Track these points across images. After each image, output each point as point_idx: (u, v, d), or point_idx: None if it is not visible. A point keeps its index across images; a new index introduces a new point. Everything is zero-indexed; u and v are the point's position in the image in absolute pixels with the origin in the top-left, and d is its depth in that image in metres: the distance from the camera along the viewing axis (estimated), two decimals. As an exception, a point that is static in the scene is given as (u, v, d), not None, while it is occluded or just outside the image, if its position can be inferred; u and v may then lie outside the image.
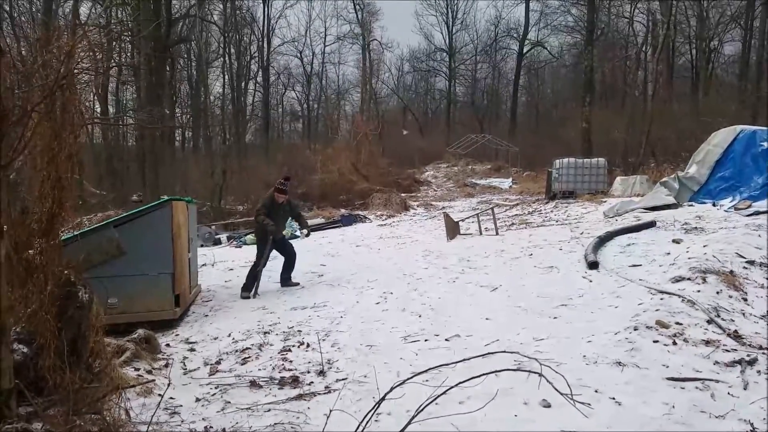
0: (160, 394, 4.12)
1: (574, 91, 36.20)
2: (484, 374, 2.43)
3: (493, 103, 50.94)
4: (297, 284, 8.52)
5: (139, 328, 5.46)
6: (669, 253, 7.26)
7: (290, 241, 14.29)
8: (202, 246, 9.77)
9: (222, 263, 10.93)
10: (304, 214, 18.59)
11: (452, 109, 50.94)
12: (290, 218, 9.63)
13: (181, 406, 4.10)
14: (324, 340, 5.45)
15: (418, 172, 31.34)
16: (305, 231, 9.69)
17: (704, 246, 7.16)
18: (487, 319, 5.83)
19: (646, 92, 27.69)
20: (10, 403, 2.84)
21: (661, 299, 5.46)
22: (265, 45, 43.16)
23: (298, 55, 47.04)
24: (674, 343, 4.46)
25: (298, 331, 5.96)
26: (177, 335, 6.27)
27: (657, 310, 5.13)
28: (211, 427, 3.69)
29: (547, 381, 2.14)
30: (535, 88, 49.56)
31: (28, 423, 2.53)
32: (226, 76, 41.38)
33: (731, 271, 6.06)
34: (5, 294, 2.86)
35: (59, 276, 3.75)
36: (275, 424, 3.63)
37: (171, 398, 4.16)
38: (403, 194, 21.71)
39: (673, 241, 7.92)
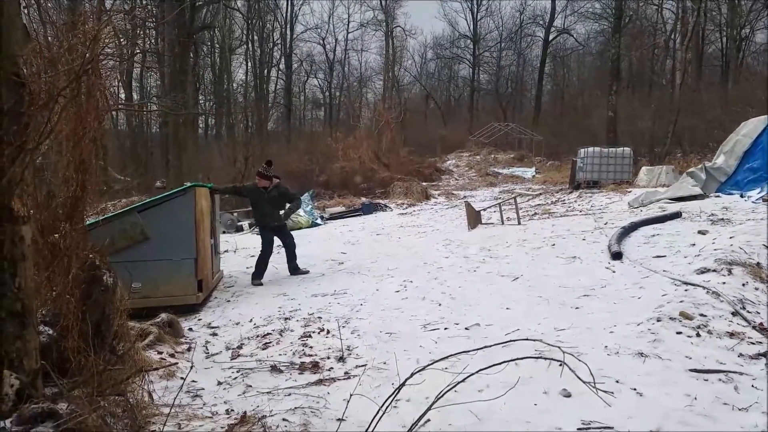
0: (182, 377, 4.19)
1: (600, 79, 35.61)
2: (504, 362, 2.41)
3: (517, 91, 50.33)
4: (306, 272, 8.52)
5: (162, 313, 5.54)
6: (694, 245, 7.14)
7: (309, 229, 14.43)
8: (224, 233, 9.86)
9: (244, 250, 11.03)
10: (327, 201, 18.78)
11: (475, 96, 50.43)
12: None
13: (203, 389, 4.16)
14: (344, 326, 5.48)
15: (439, 160, 31.17)
16: (292, 206, 8.76)
17: (730, 237, 7.03)
18: (507, 308, 5.80)
19: (674, 81, 27.11)
20: (37, 383, 2.91)
21: (686, 290, 5.37)
22: (288, 32, 43.23)
23: (321, 42, 47.01)
24: (698, 335, 4.40)
25: (319, 317, 5.99)
26: (199, 320, 6.35)
27: (681, 301, 5.05)
28: (232, 410, 3.73)
29: (569, 369, 2.12)
30: (561, 76, 48.86)
31: (53, 403, 2.58)
32: (249, 63, 41.63)
33: (758, 263, 5.94)
34: (31, 277, 2.91)
35: (84, 259, 3.81)
36: (295, 408, 3.66)
37: (193, 381, 4.21)
38: (424, 183, 21.64)
39: (699, 232, 7.79)
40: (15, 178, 2.75)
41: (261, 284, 8.03)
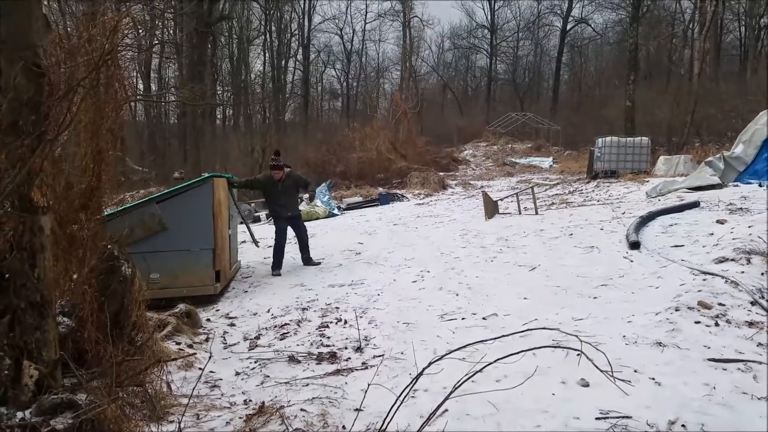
0: (200, 368, 4.22)
1: (617, 69, 35.15)
2: (522, 351, 2.39)
3: (534, 81, 49.88)
4: (318, 263, 8.50)
5: (180, 303, 5.59)
6: (713, 234, 7.05)
7: (326, 219, 14.45)
8: (241, 223, 9.90)
9: (261, 240, 11.07)
10: (344, 192, 18.80)
11: (493, 86, 50.08)
12: (305, 194, 9.19)
13: (222, 379, 4.20)
14: (361, 317, 5.49)
15: (456, 150, 30.98)
16: (306, 196, 9.08)
17: (749, 227, 6.92)
18: (525, 298, 5.77)
19: (692, 70, 26.64)
20: (56, 373, 2.94)
21: (704, 280, 5.31)
22: (306, 22, 43.23)
23: (339, 32, 46.97)
24: (716, 324, 4.35)
25: (336, 307, 6.01)
26: (217, 310, 6.39)
27: (699, 290, 4.99)
28: (250, 400, 3.76)
29: (587, 358, 2.09)
30: (578, 65, 48.27)
31: (72, 394, 2.61)
32: (267, 54, 41.70)
33: (777, 253, 5.84)
34: (50, 267, 2.94)
35: (102, 250, 3.85)
36: (313, 398, 3.68)
37: (211, 372, 4.25)
38: (441, 173, 21.56)
39: (717, 221, 7.68)
40: (34, 169, 2.78)
41: (279, 275, 8.05)
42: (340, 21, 46.90)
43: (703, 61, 23.80)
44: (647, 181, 13.79)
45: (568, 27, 44.96)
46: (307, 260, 8.53)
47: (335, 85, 50.15)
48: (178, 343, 4.85)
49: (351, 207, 16.52)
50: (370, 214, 14.57)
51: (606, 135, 17.22)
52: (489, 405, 3.35)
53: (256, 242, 9.03)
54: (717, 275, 5.33)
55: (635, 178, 14.98)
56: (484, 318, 5.24)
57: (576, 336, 2.29)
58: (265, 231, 12.47)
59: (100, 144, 3.40)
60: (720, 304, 4.67)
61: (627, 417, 3.12)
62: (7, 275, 2.86)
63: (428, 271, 7.30)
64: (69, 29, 3.96)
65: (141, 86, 27.14)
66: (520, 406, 3.36)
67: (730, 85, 25.49)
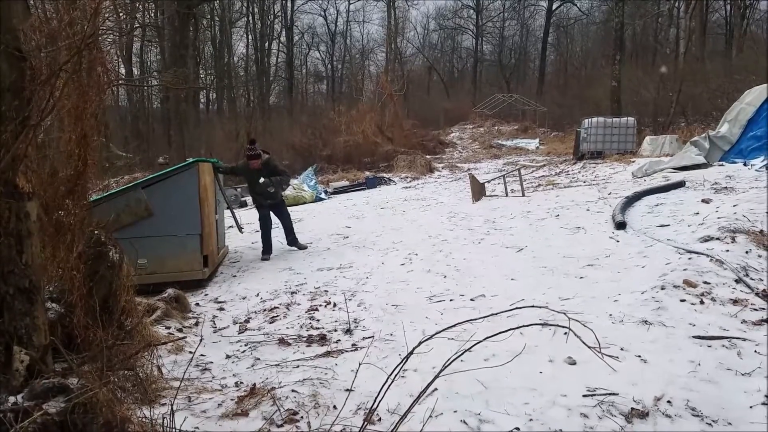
0: (191, 352, 4.24)
1: (603, 49, 35.16)
2: (511, 329, 2.42)
3: (520, 62, 49.82)
4: (305, 247, 8.47)
5: (168, 288, 5.58)
6: (698, 213, 7.14)
7: (313, 204, 14.42)
8: (227, 209, 9.84)
9: (248, 225, 11.02)
10: (330, 176, 18.71)
11: (479, 68, 49.92)
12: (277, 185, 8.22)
13: (212, 362, 4.21)
14: (350, 299, 5.52)
15: (443, 133, 30.94)
16: (274, 180, 8.08)
17: (734, 206, 7.03)
18: (512, 279, 5.83)
19: (678, 50, 26.67)
20: (47, 358, 2.94)
21: (689, 259, 5.38)
22: (289, 4, 42.74)
23: (322, 13, 46.51)
24: (701, 302, 4.43)
25: (325, 291, 6.03)
26: (206, 295, 6.39)
27: (685, 269, 5.07)
28: (241, 382, 3.78)
29: (575, 335, 2.13)
30: (564, 46, 48.28)
31: (64, 378, 2.61)
32: (250, 37, 41.20)
33: (761, 231, 5.94)
34: (37, 253, 2.93)
35: (89, 236, 3.83)
36: (304, 379, 3.70)
37: (202, 355, 4.26)
38: (427, 156, 21.52)
39: (703, 200, 7.79)
40: (19, 155, 2.75)
41: (268, 259, 8.05)
42: (323, 1, 46.42)
43: (689, 40, 23.87)
44: (633, 162, 13.91)
45: (554, 7, 44.84)
46: (293, 242, 8.48)
47: (320, 68, 49.81)
48: (168, 328, 4.85)
49: (338, 191, 16.48)
50: (357, 198, 14.56)
51: (592, 116, 17.29)
52: (477, 383, 3.40)
53: (240, 228, 8.99)
54: (702, 254, 5.40)
55: (621, 158, 15.09)
56: (472, 299, 5.29)
57: (564, 314, 2.33)
58: (251, 216, 12.42)
59: (84, 129, 3.36)
60: (705, 283, 4.75)
61: (614, 394, 3.18)
62: (-7, 262, 2.84)
63: (416, 254, 7.33)
64: (49, 13, 3.88)
65: (123, 70, 26.75)
66: (509, 384, 3.41)
67: (716, 64, 25.57)
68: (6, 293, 2.80)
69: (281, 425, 3.12)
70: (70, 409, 2.32)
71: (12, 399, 2.52)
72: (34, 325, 2.88)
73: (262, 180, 8.03)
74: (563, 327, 2.05)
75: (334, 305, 5.46)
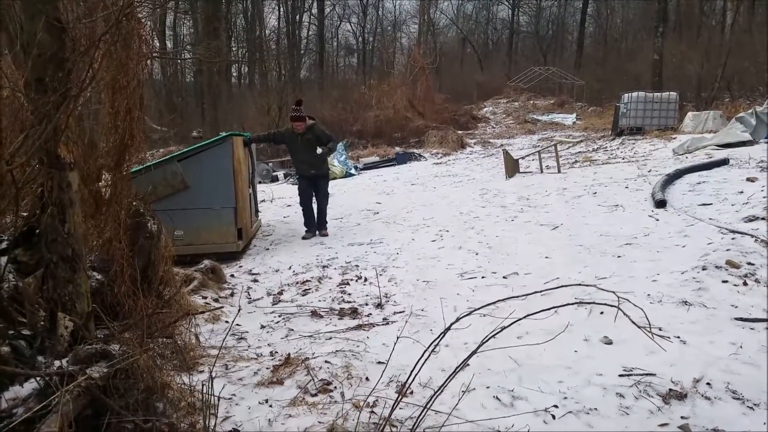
0: (227, 321, 4.32)
1: (645, 20, 34.03)
2: (553, 308, 2.39)
3: (558, 34, 48.50)
4: (326, 234, 7.82)
5: (205, 260, 5.67)
6: (742, 192, 6.94)
7: (343, 179, 14.42)
8: (260, 183, 9.91)
9: (280, 199, 11.14)
10: (360, 151, 18.67)
11: (515, 40, 48.84)
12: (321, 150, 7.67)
13: (247, 332, 4.28)
14: (381, 275, 5.53)
15: (476, 108, 30.48)
16: (325, 149, 7.65)
17: (781, 185, 6.81)
18: (546, 257, 5.75)
19: (725, 22, 25.69)
20: (89, 325, 3.02)
21: (733, 239, 5.24)
22: (321, -26, 42.21)
23: (354, -17, 45.84)
24: (744, 284, 4.31)
25: (356, 265, 6.05)
26: (240, 267, 6.48)
27: (727, 249, 4.94)
28: (276, 351, 3.84)
29: (624, 314, 2.08)
30: (604, 17, 46.75)
31: (106, 344, 2.68)
32: (281, 9, 40.97)
33: (810, 212, 5.74)
34: (79, 222, 2.99)
35: (129, 207, 3.90)
36: (336, 351, 3.74)
37: (237, 325, 4.33)
38: (459, 131, 21.28)
39: (748, 179, 7.55)
40: (60, 125, 2.79)
41: (309, 237, 7.70)
42: (356, -29, 45.64)
43: (737, 12, 22.91)
44: (674, 138, 13.54)
45: (594, -24, 43.50)
46: (321, 226, 7.90)
47: (351, 41, 49.34)
48: (204, 298, 4.94)
49: (368, 167, 16.45)
50: (387, 174, 14.52)
51: (632, 90, 16.81)
52: (510, 360, 3.39)
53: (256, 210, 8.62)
54: (746, 234, 5.26)
55: (662, 134, 14.69)
56: (504, 277, 5.25)
57: (613, 292, 2.27)
58: (284, 190, 12.52)
59: (129, 102, 3.39)
60: (749, 264, 4.62)
61: (651, 374, 3.13)
62: (38, 231, 2.91)
63: (447, 231, 7.30)
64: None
65: (157, 44, 26.94)
66: (542, 362, 3.38)
67: (765, 36, 24.59)
68: (50, 261, 2.87)
69: (315, 394, 3.16)
70: (112, 374, 2.38)
71: (57, 363, 2.60)
72: (78, 293, 2.96)
73: (319, 150, 7.56)
74: (612, 306, 2.00)
75: (365, 280, 5.48)
